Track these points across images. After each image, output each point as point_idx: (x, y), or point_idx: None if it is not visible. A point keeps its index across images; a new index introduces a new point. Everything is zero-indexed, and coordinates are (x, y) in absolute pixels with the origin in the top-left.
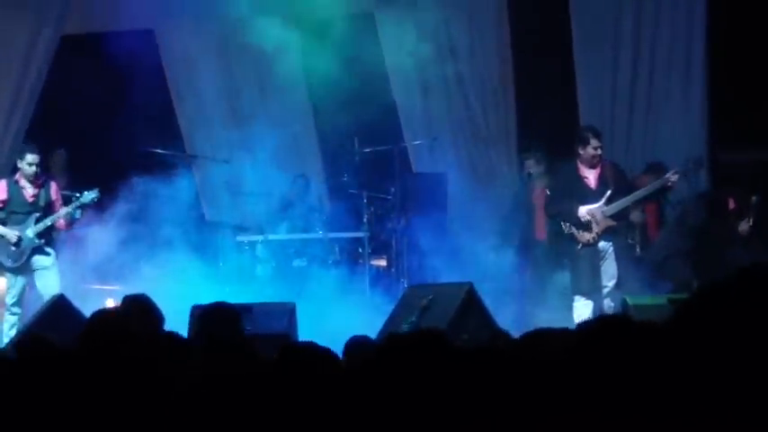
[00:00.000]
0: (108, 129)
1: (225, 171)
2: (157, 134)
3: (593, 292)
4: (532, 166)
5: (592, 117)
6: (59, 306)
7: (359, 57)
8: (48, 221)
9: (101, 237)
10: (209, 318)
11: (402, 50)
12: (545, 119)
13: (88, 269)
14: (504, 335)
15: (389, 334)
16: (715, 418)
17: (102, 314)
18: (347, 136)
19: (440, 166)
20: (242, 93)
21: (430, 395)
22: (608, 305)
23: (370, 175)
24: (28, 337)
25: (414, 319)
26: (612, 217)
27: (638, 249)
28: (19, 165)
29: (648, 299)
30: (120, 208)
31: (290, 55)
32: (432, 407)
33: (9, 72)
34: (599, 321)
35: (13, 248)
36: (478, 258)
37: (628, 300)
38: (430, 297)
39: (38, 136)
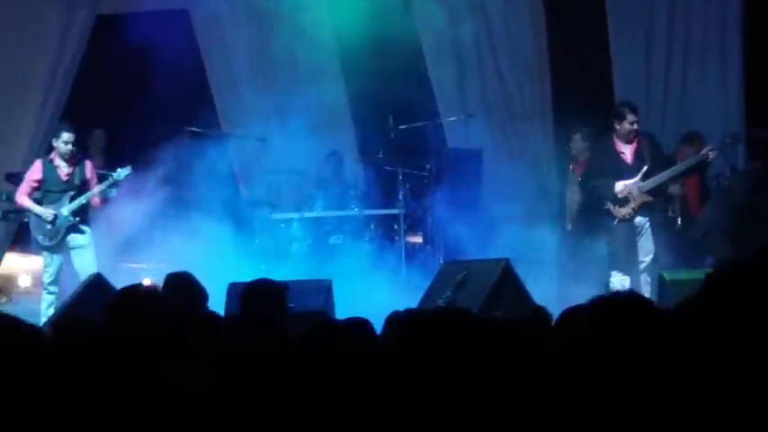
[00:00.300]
0: (144, 108)
1: (260, 149)
2: (193, 113)
3: (629, 267)
4: (578, 141)
5: (627, 94)
6: (96, 285)
7: (393, 33)
8: (82, 199)
9: (137, 215)
10: (252, 294)
11: (436, 27)
12: (580, 95)
13: (125, 247)
14: (541, 310)
15: (418, 310)
16: (731, 400)
17: (130, 290)
18: (382, 113)
19: (474, 142)
20: (276, 72)
21: (458, 371)
22: (645, 280)
23: (405, 152)
24: (64, 317)
25: (449, 294)
26: (649, 192)
27: (678, 222)
28: (54, 144)
29: (686, 274)
30: (157, 187)
31: (324, 32)
32: (460, 383)
33: (44, 54)
34: (608, 301)
35: (49, 227)
36: (514, 234)
37: (665, 275)
38: (464, 273)
39: (75, 116)
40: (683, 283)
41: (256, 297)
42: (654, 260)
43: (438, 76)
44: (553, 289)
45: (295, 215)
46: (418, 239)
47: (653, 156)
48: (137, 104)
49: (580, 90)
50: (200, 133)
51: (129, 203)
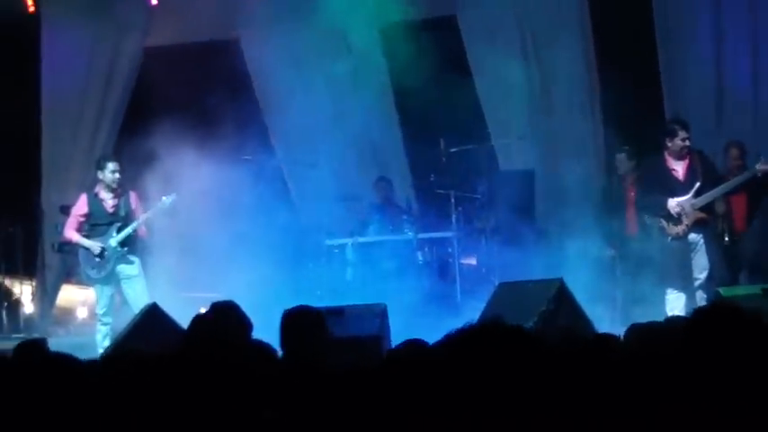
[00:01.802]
0: (200, 138)
1: (314, 176)
2: (247, 142)
3: (684, 284)
4: (624, 161)
5: (676, 111)
6: (152, 315)
7: (442, 58)
8: (129, 230)
9: (191, 243)
10: (291, 324)
11: (484, 49)
12: (631, 115)
13: (181, 276)
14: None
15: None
16: None
17: (202, 319)
18: (433, 137)
19: (526, 165)
20: (328, 97)
21: (514, 388)
22: (701, 297)
23: (457, 175)
24: (120, 349)
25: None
26: (702, 209)
27: (726, 238)
28: (100, 176)
29: (742, 289)
30: (213, 215)
31: (375, 58)
32: (516, 400)
33: (94, 88)
34: (706, 313)
35: (98, 259)
36: (568, 255)
37: (721, 291)
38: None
39: (126, 147)
40: (740, 298)
41: (295, 326)
42: (709, 277)
43: (487, 100)
44: (610, 308)
45: (348, 240)
46: (472, 261)
47: (705, 172)
48: (192, 134)
49: (629, 109)
50: (254, 161)
51: (185, 232)
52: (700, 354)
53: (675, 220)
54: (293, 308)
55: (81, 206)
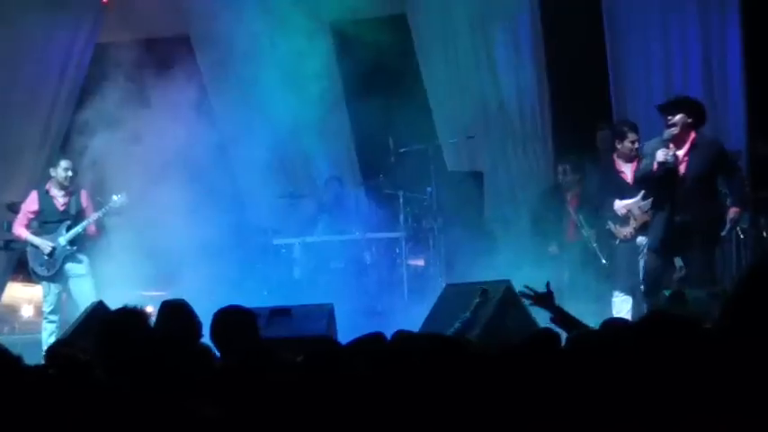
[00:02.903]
0: (148, 133)
1: (261, 174)
2: (197, 137)
3: (632, 287)
4: (567, 173)
5: (625, 114)
6: (98, 313)
7: (391, 57)
8: (79, 228)
9: (140, 241)
10: (223, 322)
11: (436, 51)
12: (580, 117)
13: (128, 275)
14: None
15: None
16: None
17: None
18: (382, 136)
19: (474, 166)
20: (278, 96)
21: (452, 395)
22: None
23: (406, 175)
24: (62, 347)
25: (468, 315)
26: (650, 212)
27: None
28: (52, 173)
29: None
30: (161, 213)
31: (323, 57)
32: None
33: (46, 82)
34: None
35: (47, 257)
36: (514, 257)
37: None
38: (481, 292)
39: (75, 145)
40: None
41: (224, 326)
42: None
43: (437, 100)
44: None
45: (296, 240)
46: (420, 262)
47: None
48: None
49: (579, 112)
50: (203, 158)
51: (133, 230)
52: (639, 360)
53: (622, 221)
54: (222, 308)
55: (31, 203)
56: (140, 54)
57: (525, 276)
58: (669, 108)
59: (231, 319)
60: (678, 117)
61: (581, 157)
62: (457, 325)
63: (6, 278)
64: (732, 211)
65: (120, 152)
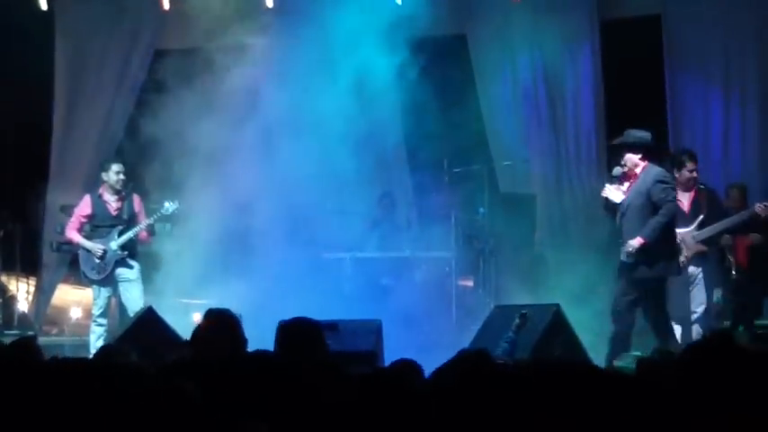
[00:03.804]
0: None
1: (314, 188)
2: (253, 151)
3: (681, 317)
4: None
5: (681, 143)
6: (148, 319)
7: (450, 77)
8: (130, 234)
9: (189, 251)
10: (288, 335)
11: (493, 71)
12: None
13: (180, 283)
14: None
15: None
16: None
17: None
18: (437, 156)
19: (527, 189)
20: (331, 108)
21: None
22: (696, 331)
23: (459, 195)
24: (111, 351)
25: (511, 335)
26: (703, 242)
27: (733, 272)
28: (104, 178)
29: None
30: (213, 223)
31: (382, 75)
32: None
33: (105, 87)
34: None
35: (98, 261)
36: (566, 279)
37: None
38: (524, 313)
39: (130, 150)
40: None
41: (291, 338)
42: (706, 311)
43: (493, 121)
44: (605, 336)
45: (347, 255)
46: (469, 283)
47: (710, 205)
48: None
49: None
50: (258, 172)
51: (183, 238)
52: (695, 387)
53: None
54: (289, 319)
55: (84, 207)
56: (196, 61)
57: (576, 301)
58: (618, 149)
59: (299, 331)
60: (626, 156)
61: None
62: (504, 345)
63: (57, 280)
64: (635, 240)
65: (173, 160)
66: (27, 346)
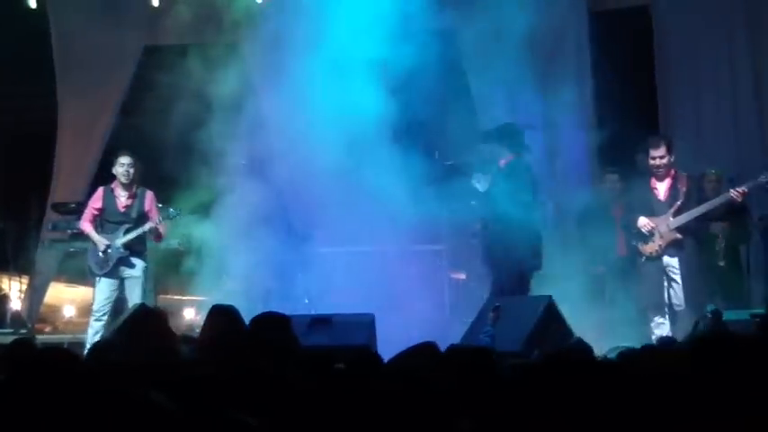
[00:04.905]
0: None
1: (308, 182)
2: (249, 144)
3: (656, 307)
4: (616, 182)
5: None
6: (140, 316)
7: (441, 70)
8: (134, 234)
9: (182, 248)
10: (258, 328)
11: (483, 66)
12: (628, 138)
13: (174, 280)
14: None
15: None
16: None
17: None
18: (428, 148)
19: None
20: (329, 100)
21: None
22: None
23: (451, 188)
24: (103, 347)
25: (489, 328)
26: (679, 230)
27: (721, 261)
28: (114, 170)
29: (732, 314)
30: (204, 220)
31: (371, 68)
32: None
33: (103, 83)
34: (699, 338)
35: (101, 256)
36: (557, 271)
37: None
38: (497, 305)
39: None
40: (729, 324)
41: (264, 326)
42: (687, 301)
43: (486, 114)
44: (597, 328)
45: (339, 249)
46: (461, 276)
47: (689, 193)
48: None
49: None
50: (250, 165)
51: (179, 236)
52: (700, 380)
53: (647, 238)
54: (260, 314)
55: (96, 199)
56: (187, 57)
57: (567, 291)
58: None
59: (267, 324)
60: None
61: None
62: (485, 339)
63: (50, 278)
64: None
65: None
66: (26, 345)
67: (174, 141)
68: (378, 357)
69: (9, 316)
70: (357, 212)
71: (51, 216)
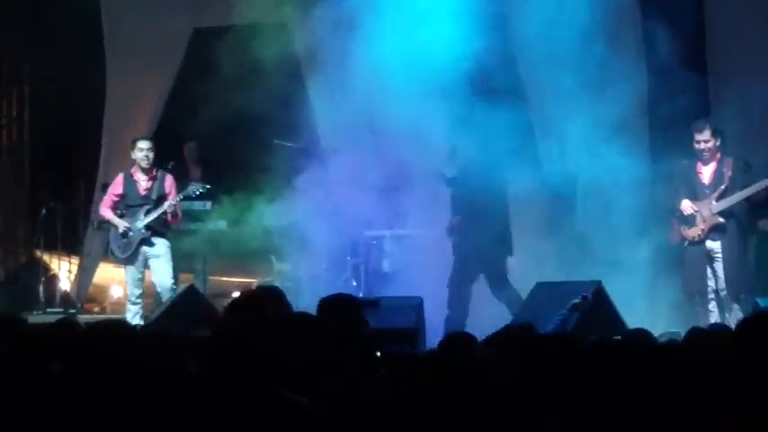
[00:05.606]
0: (240, 121)
1: (354, 165)
2: (293, 127)
3: (698, 292)
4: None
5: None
6: (189, 297)
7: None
8: (155, 214)
9: (231, 230)
10: (330, 309)
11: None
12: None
13: (214, 262)
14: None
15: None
16: None
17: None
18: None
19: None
20: (375, 86)
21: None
22: (713, 307)
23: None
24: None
25: (565, 312)
26: (722, 214)
27: None
28: (133, 155)
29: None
30: (253, 202)
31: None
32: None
33: (145, 65)
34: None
35: (123, 239)
36: (608, 259)
37: (759, 302)
38: (584, 295)
39: (172, 128)
40: None
41: (334, 311)
42: (728, 287)
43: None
44: (645, 313)
45: (387, 232)
46: None
47: (734, 178)
48: (233, 117)
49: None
50: (290, 147)
51: (222, 217)
52: (748, 363)
53: (690, 222)
54: (329, 295)
55: (116, 185)
56: (236, 40)
57: (620, 280)
58: None
59: (337, 305)
60: None
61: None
62: (557, 321)
63: (99, 258)
64: None
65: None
66: (69, 325)
67: (225, 124)
68: (473, 339)
69: (58, 296)
70: (405, 196)
71: (100, 197)
